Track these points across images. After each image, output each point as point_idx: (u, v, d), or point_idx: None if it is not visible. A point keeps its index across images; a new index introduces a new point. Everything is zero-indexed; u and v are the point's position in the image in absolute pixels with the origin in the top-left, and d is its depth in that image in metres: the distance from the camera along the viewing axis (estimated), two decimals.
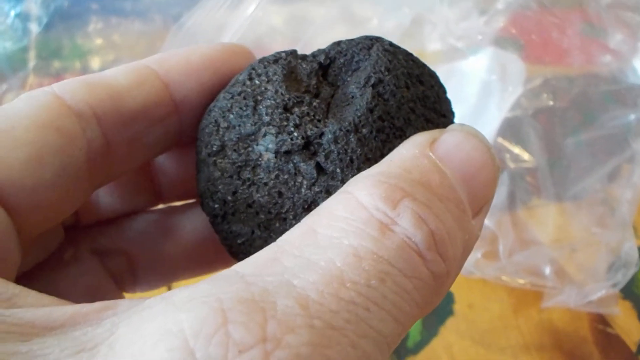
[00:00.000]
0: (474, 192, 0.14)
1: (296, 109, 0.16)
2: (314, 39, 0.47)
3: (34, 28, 0.50)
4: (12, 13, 0.49)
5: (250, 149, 0.16)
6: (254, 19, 0.45)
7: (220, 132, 0.17)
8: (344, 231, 0.12)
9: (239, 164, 0.17)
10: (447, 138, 0.15)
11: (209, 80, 0.18)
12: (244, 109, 0.17)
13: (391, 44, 0.17)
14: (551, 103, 0.43)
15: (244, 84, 0.17)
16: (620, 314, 0.34)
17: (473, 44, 0.46)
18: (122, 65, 0.18)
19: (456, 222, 0.13)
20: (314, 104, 0.16)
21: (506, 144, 0.42)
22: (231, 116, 0.17)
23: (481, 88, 0.43)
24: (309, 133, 0.16)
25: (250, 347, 0.10)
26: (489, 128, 0.42)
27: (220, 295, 0.11)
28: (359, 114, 0.16)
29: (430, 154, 0.14)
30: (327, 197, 0.14)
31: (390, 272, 0.12)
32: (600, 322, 0.34)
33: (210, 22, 0.45)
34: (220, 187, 0.17)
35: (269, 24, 0.50)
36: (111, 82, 0.17)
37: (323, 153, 0.16)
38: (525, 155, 0.41)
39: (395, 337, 0.12)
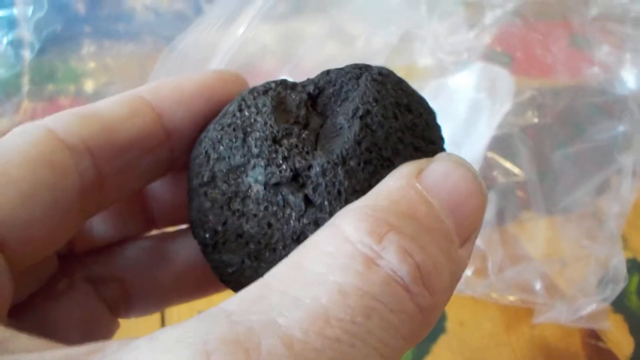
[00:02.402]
0: (462, 222, 0.14)
1: (285, 141, 0.16)
2: (305, 57, 0.47)
3: (27, 54, 0.51)
4: (5, 40, 0.49)
5: (240, 180, 0.17)
6: (245, 38, 0.45)
7: (211, 163, 0.17)
8: (330, 266, 0.12)
9: (229, 194, 0.17)
10: (434, 168, 0.15)
11: (200, 108, 0.19)
12: (234, 140, 0.17)
13: (380, 73, 0.17)
14: (538, 118, 0.43)
15: (234, 115, 0.17)
16: (612, 328, 0.34)
17: (462, 59, 0.47)
18: (116, 96, 0.18)
19: (443, 254, 0.13)
20: (303, 135, 0.17)
21: (496, 158, 0.42)
22: (221, 147, 0.17)
23: (470, 104, 0.44)
24: (297, 165, 0.16)
25: None
26: (478, 143, 0.42)
27: (205, 336, 0.11)
28: (347, 147, 0.16)
29: (417, 184, 0.14)
30: (316, 229, 0.14)
31: (376, 307, 0.12)
32: (592, 337, 0.34)
33: (202, 43, 0.46)
34: (210, 217, 0.17)
35: (260, 42, 0.50)
36: (104, 113, 0.17)
37: (311, 186, 0.16)
38: (515, 170, 0.41)
39: None
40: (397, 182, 0.14)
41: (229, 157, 0.17)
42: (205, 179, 0.17)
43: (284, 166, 0.16)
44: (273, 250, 0.16)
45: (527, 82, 0.45)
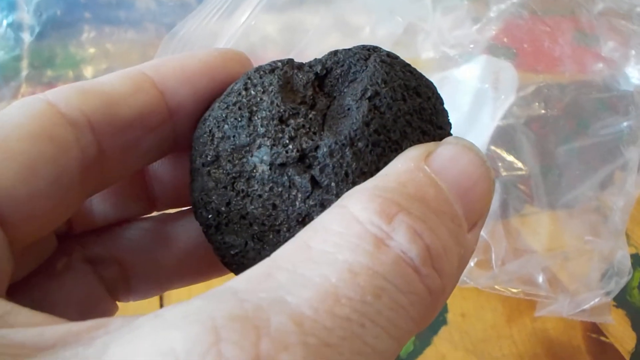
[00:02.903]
0: (470, 206, 0.14)
1: (292, 121, 0.16)
2: (308, 48, 0.47)
3: (27, 37, 0.50)
4: (5, 22, 0.49)
5: (244, 160, 0.16)
6: (247, 27, 0.45)
7: (215, 142, 0.17)
8: (338, 246, 0.12)
9: (233, 174, 0.16)
10: (442, 151, 0.14)
11: (204, 87, 0.18)
12: (239, 119, 0.17)
13: (389, 54, 0.17)
14: (543, 112, 0.43)
15: (240, 94, 0.17)
16: (614, 323, 0.34)
17: (466, 52, 0.46)
18: (118, 71, 0.17)
19: (452, 237, 0.13)
20: (310, 115, 0.16)
21: (499, 151, 0.42)
22: (226, 126, 0.17)
23: (474, 96, 0.43)
24: (304, 146, 0.16)
25: None
26: (481, 136, 0.42)
27: (213, 312, 0.10)
28: (355, 128, 0.15)
29: (426, 167, 0.14)
30: (322, 211, 0.14)
31: (386, 288, 0.12)
32: (594, 331, 0.34)
33: (203, 31, 0.45)
34: (214, 197, 0.17)
35: (262, 32, 0.50)
36: (106, 89, 0.16)
37: (318, 166, 0.15)
38: (518, 163, 0.41)
39: (391, 354, 0.12)
40: (406, 164, 0.14)
41: (233, 137, 0.17)
42: (209, 158, 0.17)
43: (290, 146, 0.16)
44: (277, 232, 0.16)
45: (531, 76, 0.45)
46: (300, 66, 0.18)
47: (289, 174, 0.16)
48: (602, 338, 0.34)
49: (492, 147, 0.42)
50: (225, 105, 0.17)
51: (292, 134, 0.16)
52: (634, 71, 0.44)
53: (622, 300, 0.35)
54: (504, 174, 0.41)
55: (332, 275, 0.11)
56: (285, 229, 0.16)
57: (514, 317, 0.34)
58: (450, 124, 0.18)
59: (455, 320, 0.34)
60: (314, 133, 0.16)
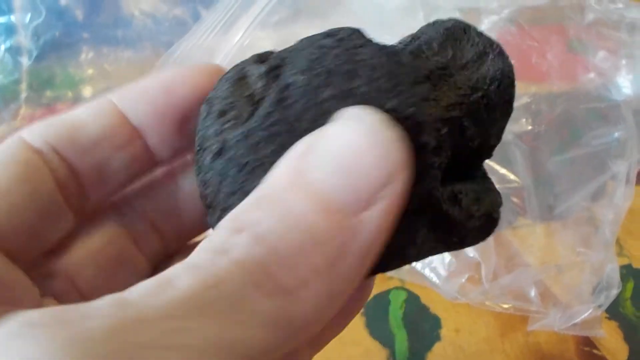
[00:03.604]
0: (355, 186, 0.12)
1: (227, 115, 0.17)
2: None
3: (25, 61, 0.51)
4: (3, 47, 0.50)
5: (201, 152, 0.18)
6: (243, 44, 0.45)
7: (198, 134, 0.18)
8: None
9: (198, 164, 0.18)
10: (323, 144, 0.13)
11: (163, 103, 0.19)
12: (204, 114, 0.18)
13: (329, 34, 0.16)
14: (535, 123, 0.43)
15: (214, 89, 0.18)
16: (606, 335, 0.34)
17: None
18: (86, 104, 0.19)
19: (309, 230, 0.12)
20: (243, 109, 0.17)
21: (492, 164, 0.42)
22: (201, 120, 0.18)
23: None
24: (226, 138, 0.16)
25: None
26: None
27: None
28: (254, 121, 0.16)
29: (300, 180, 0.13)
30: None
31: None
32: (587, 344, 0.34)
33: (199, 49, 0.46)
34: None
35: (259, 48, 0.50)
36: (69, 117, 0.18)
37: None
38: (511, 176, 0.41)
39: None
40: (281, 172, 0.13)
41: (204, 129, 0.17)
42: (197, 147, 0.18)
43: (217, 138, 0.17)
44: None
45: (523, 87, 0.45)
46: (264, 58, 0.18)
47: (221, 164, 0.16)
48: (595, 351, 0.34)
49: (486, 161, 0.42)
50: (205, 100, 0.18)
51: (221, 127, 0.17)
52: (625, 81, 0.44)
53: (614, 312, 0.35)
54: (497, 186, 0.41)
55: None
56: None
57: (507, 331, 0.35)
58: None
59: (449, 335, 0.35)
60: (238, 126, 0.16)
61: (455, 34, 0.17)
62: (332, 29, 0.17)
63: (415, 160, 0.14)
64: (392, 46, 0.17)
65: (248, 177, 0.15)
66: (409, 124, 0.14)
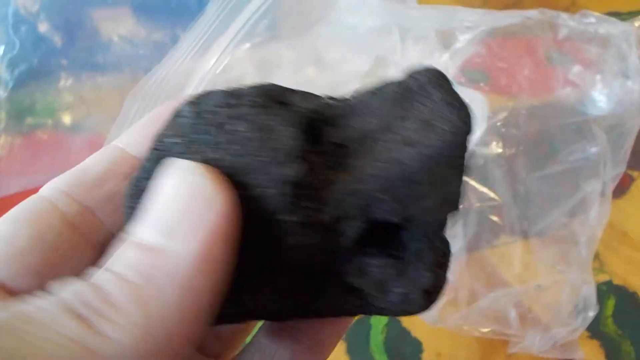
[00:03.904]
0: (159, 215, 0.14)
1: None
2: (284, 82, 0.47)
3: (1, 92, 0.51)
4: None
5: None
6: (222, 65, 0.45)
7: None
8: None
9: None
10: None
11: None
12: None
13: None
14: (513, 139, 0.43)
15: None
16: (589, 354, 0.34)
17: None
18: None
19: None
20: None
21: (472, 183, 0.42)
22: None
23: None
24: None
25: None
26: None
27: None
28: None
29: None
30: None
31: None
32: None
33: (176, 72, 0.46)
34: None
35: (239, 69, 0.51)
36: (77, 166, 0.19)
37: None
38: (491, 194, 0.41)
39: None
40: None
41: None
42: None
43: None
44: None
45: (501, 100, 0.45)
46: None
47: None
48: None
49: (464, 179, 0.42)
50: None
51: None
52: (600, 95, 0.44)
53: (595, 330, 0.35)
54: (476, 205, 0.41)
55: None
56: None
57: (488, 355, 0.34)
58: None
59: (430, 359, 0.34)
60: None
61: (411, 91, 0.16)
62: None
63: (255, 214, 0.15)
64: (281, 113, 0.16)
65: None
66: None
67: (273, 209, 0.15)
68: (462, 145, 0.16)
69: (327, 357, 0.20)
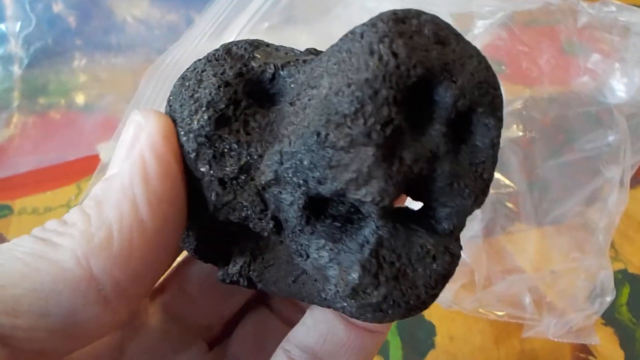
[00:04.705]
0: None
1: None
2: None
3: (16, 70, 0.51)
4: None
5: None
6: None
7: None
8: None
9: None
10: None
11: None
12: None
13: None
14: (530, 127, 0.43)
15: None
16: (602, 342, 0.34)
17: None
18: None
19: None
20: None
21: None
22: None
23: None
24: None
25: None
26: None
27: None
28: None
29: None
30: None
31: None
32: (582, 351, 0.34)
33: (192, 54, 0.45)
34: None
35: None
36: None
37: None
38: (506, 181, 0.41)
39: None
40: None
41: None
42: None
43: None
44: None
45: (518, 90, 0.45)
46: None
47: None
48: (591, 358, 0.34)
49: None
50: None
51: None
52: (619, 84, 0.44)
53: (610, 318, 0.35)
54: (491, 191, 0.41)
55: None
56: None
57: (502, 339, 0.34)
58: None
59: (444, 343, 0.34)
60: None
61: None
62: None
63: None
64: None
65: None
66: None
67: (193, 161, 0.16)
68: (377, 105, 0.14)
69: None
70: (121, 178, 0.15)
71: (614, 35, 0.44)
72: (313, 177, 0.14)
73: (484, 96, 0.15)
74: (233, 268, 0.17)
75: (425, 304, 0.15)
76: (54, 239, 0.15)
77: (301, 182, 0.15)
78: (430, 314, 0.36)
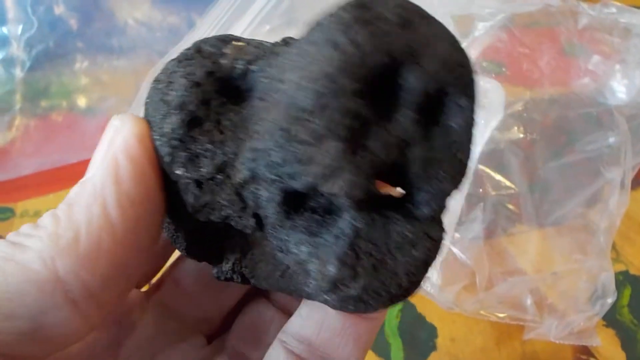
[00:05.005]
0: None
1: None
2: None
3: (18, 72, 0.51)
4: None
5: None
6: None
7: None
8: None
9: None
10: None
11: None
12: None
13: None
14: (530, 128, 0.43)
15: None
16: (603, 343, 0.34)
17: None
18: None
19: None
20: None
21: (488, 171, 0.42)
22: None
23: None
24: None
25: None
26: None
27: None
28: None
29: None
30: None
31: None
32: (584, 352, 0.34)
33: None
34: None
35: None
36: None
37: None
38: (507, 182, 0.41)
39: None
40: None
41: None
42: None
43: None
44: None
45: (518, 92, 0.45)
46: None
47: None
48: (592, 359, 0.34)
49: (481, 167, 0.42)
50: None
51: None
52: (619, 86, 0.44)
53: (611, 319, 0.35)
54: (492, 193, 0.41)
55: None
56: None
57: (504, 340, 0.34)
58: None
59: (445, 344, 0.34)
60: None
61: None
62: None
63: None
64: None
65: None
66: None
67: (168, 164, 0.16)
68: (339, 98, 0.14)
69: None
70: (93, 181, 0.15)
71: (614, 36, 0.44)
72: (285, 172, 0.15)
73: (452, 75, 0.15)
74: (226, 265, 0.17)
75: (408, 291, 0.15)
76: (23, 241, 0.15)
77: (276, 178, 0.15)
78: (431, 315, 0.36)
